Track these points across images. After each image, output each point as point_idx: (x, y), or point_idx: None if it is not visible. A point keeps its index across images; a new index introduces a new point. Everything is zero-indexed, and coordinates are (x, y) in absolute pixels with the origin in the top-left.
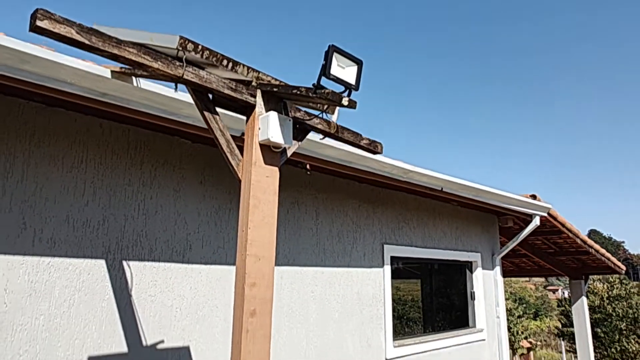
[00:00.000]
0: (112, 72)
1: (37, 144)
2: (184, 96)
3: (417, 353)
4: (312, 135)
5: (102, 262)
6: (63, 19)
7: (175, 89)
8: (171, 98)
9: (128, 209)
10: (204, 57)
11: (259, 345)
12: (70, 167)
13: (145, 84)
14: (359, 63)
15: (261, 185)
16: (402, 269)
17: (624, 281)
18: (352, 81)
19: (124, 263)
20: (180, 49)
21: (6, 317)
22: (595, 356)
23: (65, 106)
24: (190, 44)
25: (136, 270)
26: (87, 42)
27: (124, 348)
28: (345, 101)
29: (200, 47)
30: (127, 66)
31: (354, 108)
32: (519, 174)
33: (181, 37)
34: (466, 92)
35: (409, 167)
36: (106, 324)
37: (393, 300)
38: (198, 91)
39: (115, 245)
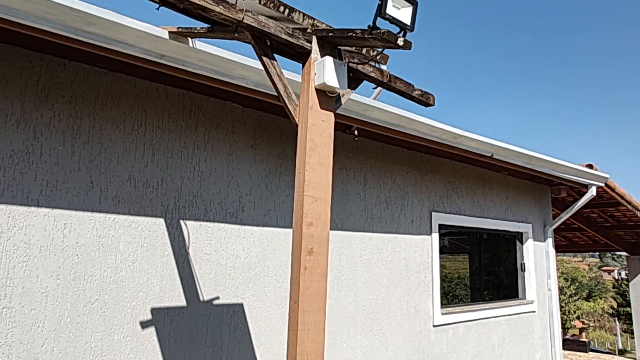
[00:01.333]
0: (169, 32)
1: (100, 107)
2: (236, 57)
3: (465, 321)
4: (362, 98)
5: (162, 220)
6: None
7: (236, 32)
8: (224, 59)
9: (184, 171)
10: (262, 3)
11: (316, 283)
12: (130, 129)
13: (200, 45)
14: (414, 3)
15: (317, 129)
16: (449, 244)
17: None
18: (408, 22)
19: (181, 222)
20: None
21: (79, 267)
22: None
23: (125, 71)
24: None
25: (192, 230)
26: None
27: (182, 302)
28: (400, 41)
29: None
30: (186, 25)
31: (409, 49)
32: (576, 144)
33: None
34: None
35: (459, 131)
36: (166, 279)
37: (440, 277)
38: (256, 36)
39: (173, 204)
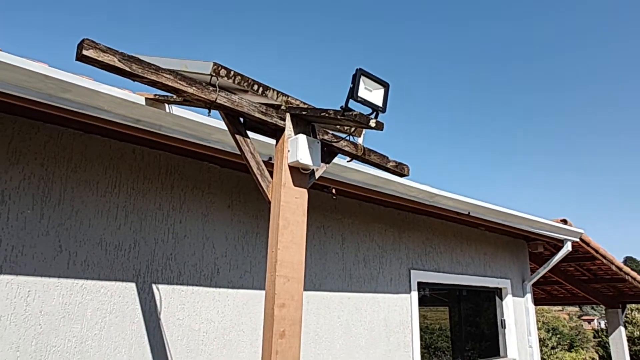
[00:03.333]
0: (146, 99)
1: (73, 169)
2: (214, 121)
3: None
4: (338, 160)
5: (133, 285)
6: (107, 47)
7: (209, 113)
8: (201, 123)
9: (158, 233)
10: (236, 82)
11: None
12: (104, 191)
13: (177, 110)
14: (385, 85)
15: (290, 207)
16: (429, 296)
17: None
18: (380, 103)
19: (154, 286)
20: (214, 74)
21: (41, 338)
22: None
23: (101, 133)
24: (222, 69)
25: (165, 294)
26: (128, 69)
27: None
28: (372, 123)
29: (232, 72)
30: (163, 92)
31: (381, 130)
32: (550, 196)
33: (215, 63)
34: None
35: (435, 191)
36: (135, 347)
37: (420, 329)
38: (230, 115)
39: (145, 268)
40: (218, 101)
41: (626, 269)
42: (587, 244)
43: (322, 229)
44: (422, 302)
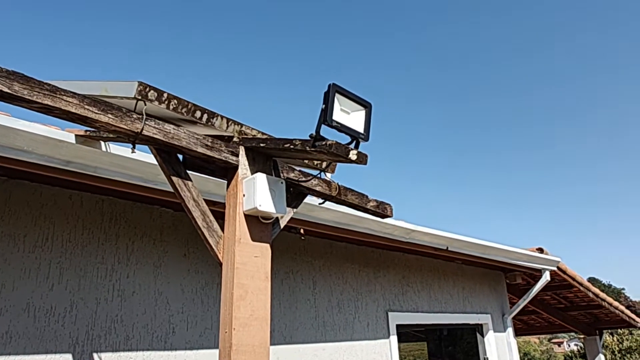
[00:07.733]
0: (76, 136)
1: None
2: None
3: None
4: (307, 199)
5: (69, 356)
6: None
7: (133, 148)
8: (145, 163)
9: (101, 291)
10: (171, 107)
11: None
12: (33, 246)
13: (116, 148)
14: (367, 106)
15: (248, 269)
16: (408, 333)
17: (633, 332)
18: (360, 129)
19: (95, 356)
20: (140, 97)
21: None
22: None
23: (29, 178)
24: (152, 91)
25: None
26: (6, 89)
27: None
28: (353, 155)
29: (165, 95)
30: (65, 118)
31: (365, 163)
32: (504, 221)
33: (140, 83)
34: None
35: (412, 226)
36: None
37: None
38: (163, 151)
39: (84, 335)
40: (145, 132)
41: (602, 295)
42: (564, 272)
43: (290, 274)
44: (400, 338)
